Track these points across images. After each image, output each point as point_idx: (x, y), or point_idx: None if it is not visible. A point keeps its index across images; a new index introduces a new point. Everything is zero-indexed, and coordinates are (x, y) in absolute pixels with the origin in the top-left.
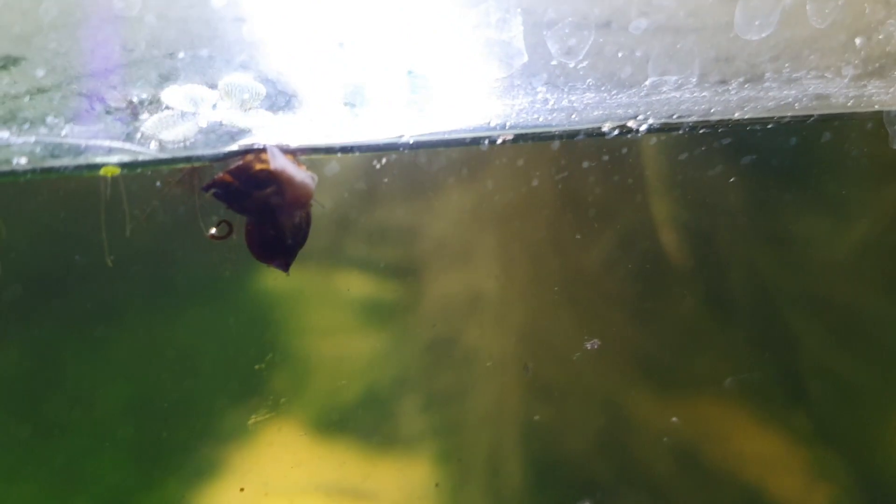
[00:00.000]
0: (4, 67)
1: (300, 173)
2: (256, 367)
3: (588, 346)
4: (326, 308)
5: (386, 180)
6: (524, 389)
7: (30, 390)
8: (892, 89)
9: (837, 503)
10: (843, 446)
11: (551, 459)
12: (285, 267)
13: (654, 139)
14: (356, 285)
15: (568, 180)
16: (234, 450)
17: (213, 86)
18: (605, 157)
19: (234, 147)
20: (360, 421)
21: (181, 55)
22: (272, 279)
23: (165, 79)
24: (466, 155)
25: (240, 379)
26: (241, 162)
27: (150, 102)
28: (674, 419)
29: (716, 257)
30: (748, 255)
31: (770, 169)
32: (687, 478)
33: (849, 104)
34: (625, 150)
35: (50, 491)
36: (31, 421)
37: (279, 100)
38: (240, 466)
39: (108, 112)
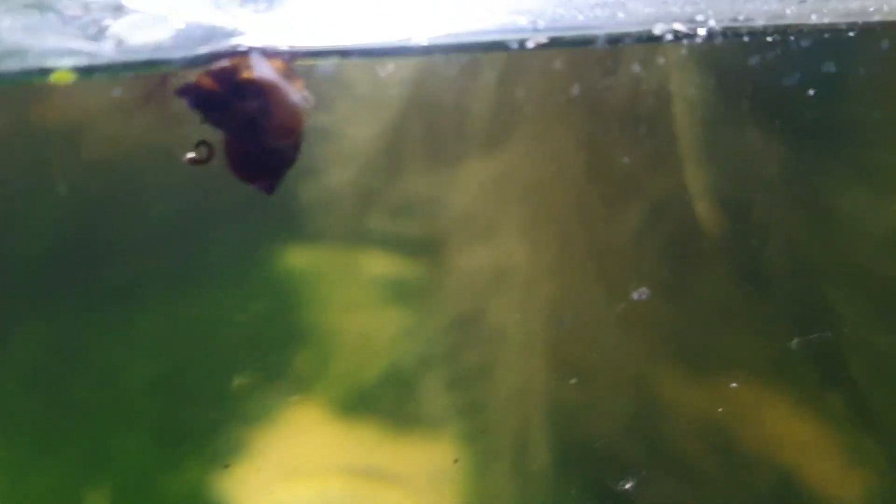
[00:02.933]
0: None
1: (293, 93)
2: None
3: (636, 296)
4: (349, 286)
5: (393, 92)
6: (551, 368)
7: (54, 370)
8: None
9: (873, 488)
10: (880, 429)
11: (579, 440)
12: (270, 189)
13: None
14: (379, 262)
15: (597, 147)
16: (258, 431)
17: None
18: (637, 120)
19: (209, 50)
20: (383, 401)
21: None
22: (296, 258)
23: None
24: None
25: (264, 360)
26: (226, 64)
27: (113, 9)
28: (719, 410)
29: (752, 229)
30: (786, 228)
31: (810, 136)
32: (718, 460)
33: None
34: (657, 115)
35: (74, 471)
36: (56, 401)
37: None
38: (263, 447)
39: (64, 22)
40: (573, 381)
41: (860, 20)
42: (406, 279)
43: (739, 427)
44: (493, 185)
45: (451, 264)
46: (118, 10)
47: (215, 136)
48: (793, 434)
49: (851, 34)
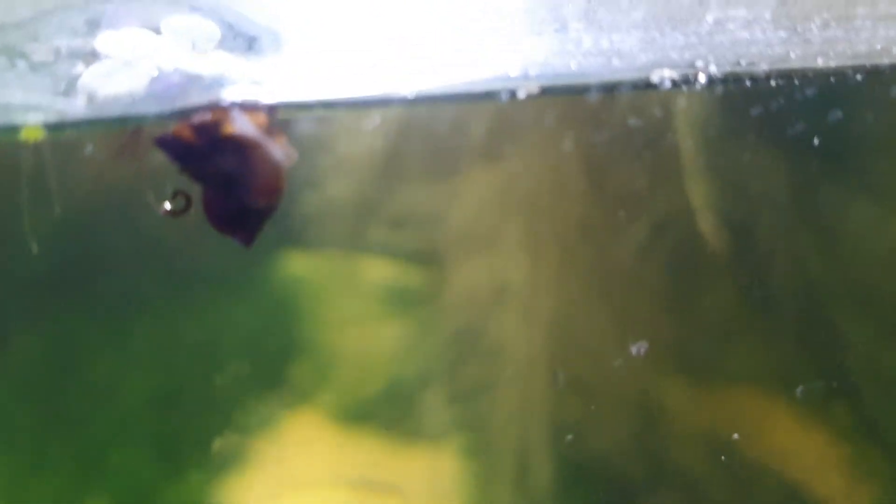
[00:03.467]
0: None
1: (275, 150)
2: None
3: (634, 350)
4: (350, 298)
5: (380, 143)
6: (553, 383)
7: (53, 381)
8: None
9: (880, 502)
10: (887, 443)
11: (582, 456)
12: (248, 241)
13: (684, 103)
14: (379, 273)
15: (599, 162)
16: (258, 442)
17: (155, 30)
18: (638, 138)
19: (186, 104)
20: (384, 412)
21: None
22: (295, 269)
23: (95, 25)
24: (488, 128)
25: (263, 370)
26: (207, 118)
27: (84, 54)
28: (735, 436)
29: (756, 246)
30: (790, 245)
31: (816, 153)
32: (724, 475)
33: None
34: (660, 131)
35: (72, 481)
36: (54, 412)
37: (238, 43)
38: (263, 459)
39: (32, 69)
40: (573, 400)
41: (868, 63)
42: (406, 291)
43: (745, 442)
44: (494, 199)
45: (452, 276)
46: (90, 56)
47: (193, 185)
48: (799, 448)
49: (859, 77)
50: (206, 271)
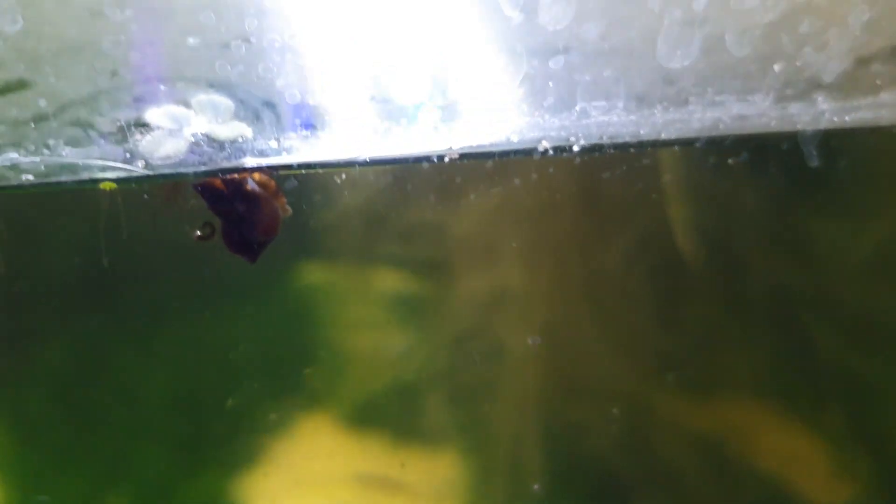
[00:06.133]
0: (15, 90)
1: (276, 207)
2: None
3: (530, 341)
4: (359, 305)
5: (346, 193)
6: (548, 386)
7: (77, 384)
8: (811, 111)
9: (860, 501)
10: (865, 445)
11: (574, 455)
12: (253, 260)
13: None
14: (387, 282)
15: (590, 187)
16: (271, 442)
17: (186, 105)
18: (626, 166)
19: (218, 167)
20: (390, 414)
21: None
22: (308, 278)
23: (140, 101)
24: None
25: (277, 373)
26: (235, 176)
27: (136, 124)
28: (710, 427)
29: (732, 260)
30: (765, 258)
31: (787, 175)
32: (710, 475)
33: (771, 124)
34: (644, 160)
35: (95, 479)
36: (78, 413)
37: (247, 115)
38: (276, 457)
39: (102, 136)
40: (566, 402)
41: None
42: (412, 299)
43: (729, 443)
44: (494, 215)
45: (455, 286)
46: (142, 127)
47: (216, 221)
48: (781, 449)
49: (697, 145)
50: (227, 282)
